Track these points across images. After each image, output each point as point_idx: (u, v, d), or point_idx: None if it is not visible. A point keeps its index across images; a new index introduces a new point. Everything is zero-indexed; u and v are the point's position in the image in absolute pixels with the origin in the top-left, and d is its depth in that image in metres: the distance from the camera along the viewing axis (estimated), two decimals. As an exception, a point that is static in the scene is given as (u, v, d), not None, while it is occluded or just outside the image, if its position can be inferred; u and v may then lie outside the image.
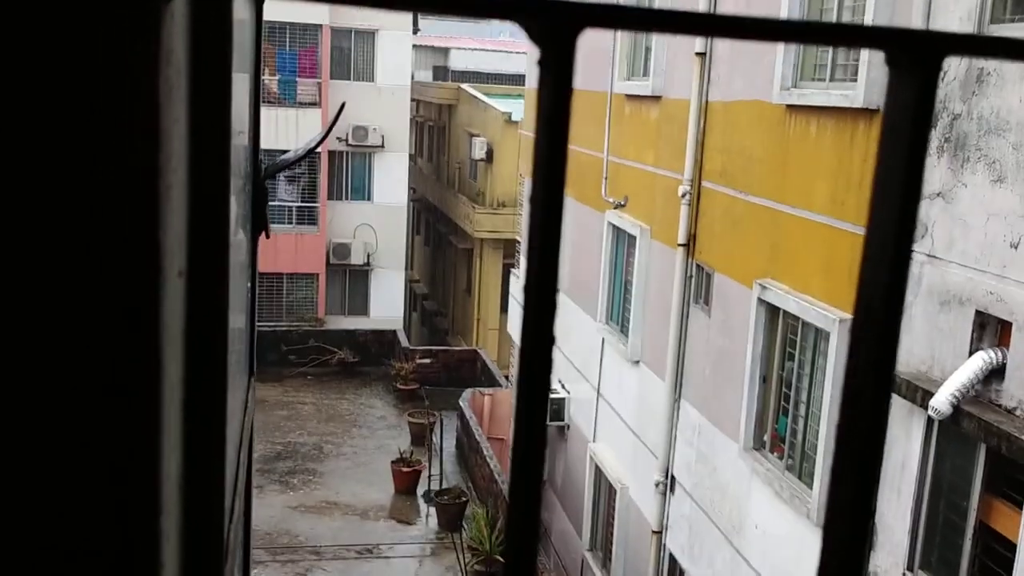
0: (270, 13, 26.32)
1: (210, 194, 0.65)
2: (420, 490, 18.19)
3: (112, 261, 0.49)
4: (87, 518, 0.52)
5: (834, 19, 8.23)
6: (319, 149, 25.63)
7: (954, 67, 6.62)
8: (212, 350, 0.70)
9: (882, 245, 0.50)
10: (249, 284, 1.60)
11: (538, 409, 0.49)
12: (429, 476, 18.05)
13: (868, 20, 7.47)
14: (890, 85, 0.53)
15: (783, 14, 8.68)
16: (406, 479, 18.18)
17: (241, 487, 1.49)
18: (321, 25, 25.42)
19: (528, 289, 0.47)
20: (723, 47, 10.13)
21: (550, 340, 0.48)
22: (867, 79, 7.48)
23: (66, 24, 0.45)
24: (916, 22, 6.93)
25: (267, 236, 1.66)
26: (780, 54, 8.78)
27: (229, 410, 1.08)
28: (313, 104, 25.78)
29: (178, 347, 0.60)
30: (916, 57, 0.52)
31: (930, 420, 6.55)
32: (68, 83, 0.45)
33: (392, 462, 18.37)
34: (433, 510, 17.29)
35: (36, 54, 0.45)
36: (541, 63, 0.48)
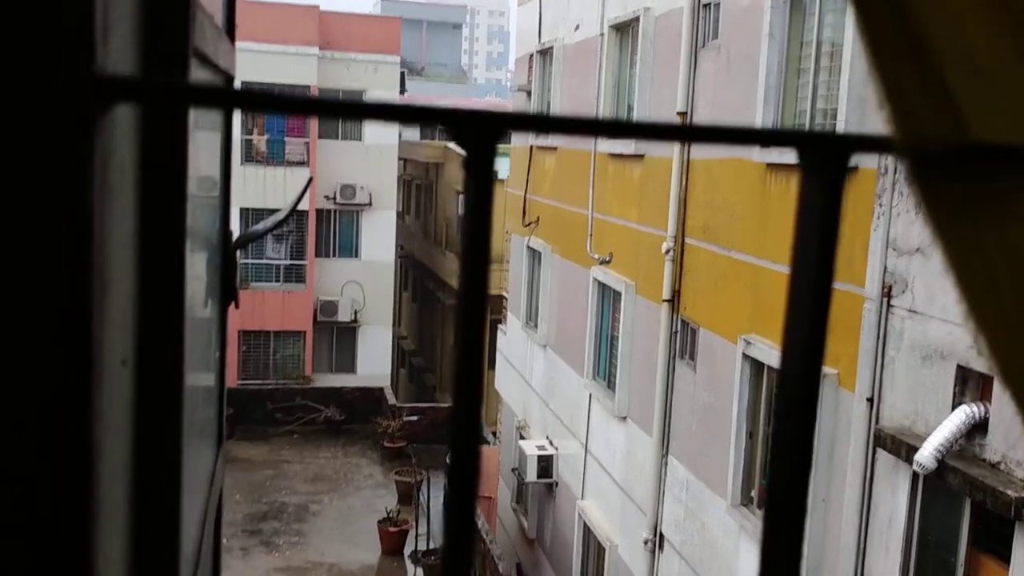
0: (258, 75, 26.36)
1: (162, 284, 0.67)
2: (407, 550, 17.95)
3: (41, 353, 0.51)
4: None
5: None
6: (306, 207, 25.76)
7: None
8: (163, 433, 0.71)
9: (794, 352, 0.53)
10: (218, 353, 1.61)
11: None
12: (416, 536, 17.84)
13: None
14: (801, 183, 0.55)
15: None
16: (393, 539, 17.95)
17: (207, 562, 1.49)
18: (309, 86, 25.72)
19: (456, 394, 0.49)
20: (704, 107, 10.28)
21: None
22: (845, 137, 7.58)
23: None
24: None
25: (236, 306, 1.67)
26: (760, 112, 8.92)
27: (191, 485, 1.08)
28: (301, 163, 25.98)
29: (123, 435, 0.61)
30: (825, 156, 0.55)
31: (915, 475, 6.54)
32: None
33: (379, 522, 18.16)
34: (420, 571, 17.04)
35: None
36: (466, 165, 0.52)
